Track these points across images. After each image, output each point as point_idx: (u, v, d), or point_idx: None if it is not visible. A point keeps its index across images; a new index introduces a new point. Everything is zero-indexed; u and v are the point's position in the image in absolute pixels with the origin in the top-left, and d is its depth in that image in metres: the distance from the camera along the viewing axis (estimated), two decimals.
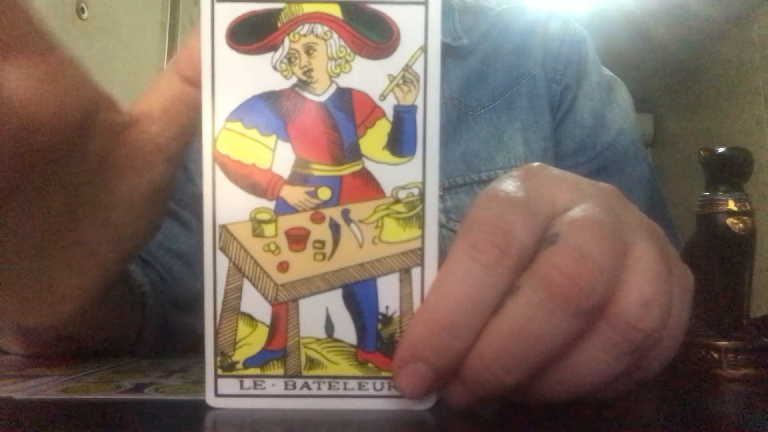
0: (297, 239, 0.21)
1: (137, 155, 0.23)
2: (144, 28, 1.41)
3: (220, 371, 0.21)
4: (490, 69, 0.57)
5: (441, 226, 0.52)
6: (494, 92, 0.56)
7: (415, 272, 0.21)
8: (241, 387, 0.21)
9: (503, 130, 0.54)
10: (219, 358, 0.21)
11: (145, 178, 0.24)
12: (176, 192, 0.54)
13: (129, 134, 0.23)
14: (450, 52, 0.56)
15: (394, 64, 0.21)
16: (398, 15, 0.21)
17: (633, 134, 0.57)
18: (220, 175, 0.21)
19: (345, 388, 0.21)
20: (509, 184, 0.20)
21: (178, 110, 0.24)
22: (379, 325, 0.21)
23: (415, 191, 0.21)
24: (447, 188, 0.52)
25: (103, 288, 0.25)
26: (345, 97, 0.21)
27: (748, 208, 0.31)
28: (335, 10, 0.21)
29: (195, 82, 0.22)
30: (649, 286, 0.19)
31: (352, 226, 0.21)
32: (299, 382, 0.21)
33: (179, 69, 0.23)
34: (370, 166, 0.21)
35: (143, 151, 0.24)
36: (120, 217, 0.24)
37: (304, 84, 0.21)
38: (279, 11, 0.20)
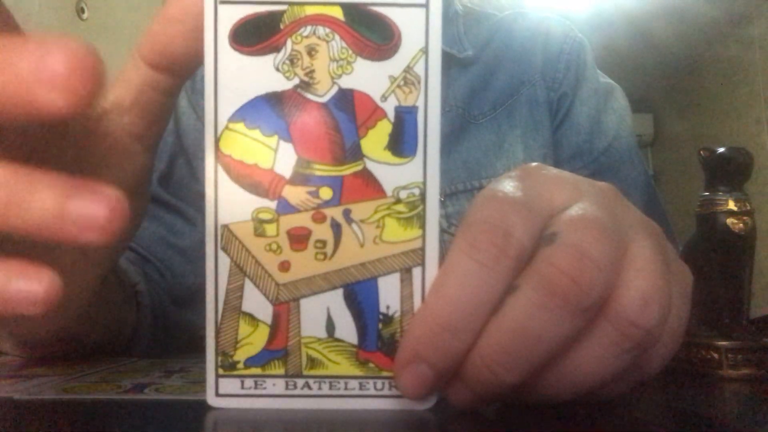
0: (298, 239, 0.21)
1: (114, 148, 0.23)
2: (144, 28, 1.40)
3: (221, 371, 0.21)
4: (492, 77, 0.58)
5: (442, 231, 0.52)
6: (496, 100, 0.57)
7: (416, 272, 0.21)
8: (242, 387, 0.21)
9: (504, 138, 0.55)
10: (220, 358, 0.21)
11: (127, 169, 0.24)
12: (181, 189, 0.54)
13: (102, 127, 0.23)
14: (454, 62, 0.57)
15: (395, 65, 0.21)
16: (399, 17, 0.21)
17: (629, 139, 0.58)
18: (223, 175, 0.21)
19: (346, 388, 0.21)
20: (507, 184, 0.20)
21: (149, 98, 0.23)
22: (380, 325, 0.21)
23: (416, 191, 0.21)
24: (448, 194, 0.53)
25: (98, 285, 0.25)
26: (347, 98, 0.21)
27: (748, 208, 0.31)
28: (337, 12, 0.21)
29: (162, 67, 0.22)
30: (648, 283, 0.19)
31: (353, 225, 0.21)
32: (300, 381, 0.21)
33: (144, 55, 0.22)
34: (371, 166, 0.21)
35: (120, 143, 0.23)
36: None
37: (306, 85, 0.21)
38: (281, 13, 0.21)
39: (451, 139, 0.54)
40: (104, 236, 0.16)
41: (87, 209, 0.16)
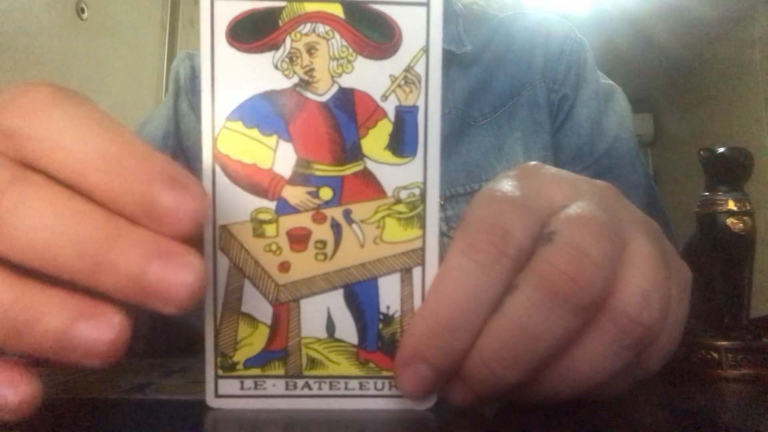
0: (298, 239, 0.21)
1: None
2: (144, 28, 1.41)
3: (220, 372, 0.21)
4: (493, 79, 0.57)
5: (442, 234, 0.52)
6: (496, 102, 0.56)
7: (416, 272, 0.21)
8: (242, 387, 0.21)
9: (504, 140, 0.55)
10: (219, 359, 0.21)
11: None
12: None
13: None
14: (454, 61, 0.57)
15: (396, 64, 0.21)
16: (400, 16, 0.21)
17: (629, 141, 0.58)
18: (221, 175, 0.21)
19: (346, 388, 0.21)
20: (506, 184, 0.20)
21: None
22: (380, 325, 0.21)
23: (416, 191, 0.21)
24: (448, 197, 0.53)
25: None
26: (347, 97, 0.21)
27: (748, 208, 0.31)
28: (337, 10, 0.21)
29: None
30: (647, 280, 0.19)
31: (354, 226, 0.21)
32: (300, 382, 0.21)
33: None
34: (371, 166, 0.21)
35: None
36: None
37: (305, 83, 0.21)
38: (280, 10, 0.20)
39: (450, 141, 0.54)
40: (107, 360, 0.16)
41: (91, 335, 0.16)
